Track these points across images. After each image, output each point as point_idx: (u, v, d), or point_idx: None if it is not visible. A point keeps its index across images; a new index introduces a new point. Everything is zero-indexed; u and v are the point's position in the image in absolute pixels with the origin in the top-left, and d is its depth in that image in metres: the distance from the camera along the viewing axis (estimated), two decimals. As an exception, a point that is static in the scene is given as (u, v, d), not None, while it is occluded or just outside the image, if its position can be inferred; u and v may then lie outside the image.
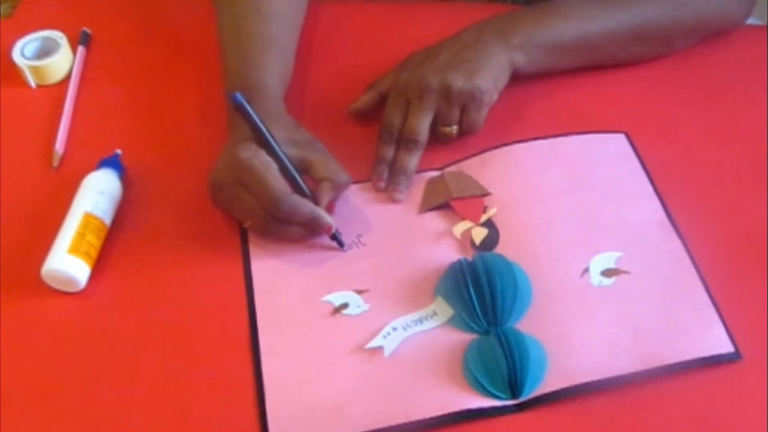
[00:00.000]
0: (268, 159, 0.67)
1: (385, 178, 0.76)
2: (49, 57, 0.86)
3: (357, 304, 0.67)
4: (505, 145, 0.78)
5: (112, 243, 0.72)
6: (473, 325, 0.65)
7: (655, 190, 0.74)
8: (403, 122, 0.76)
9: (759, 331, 0.64)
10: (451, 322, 0.66)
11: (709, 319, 0.65)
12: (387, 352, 0.64)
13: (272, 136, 0.68)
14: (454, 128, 0.77)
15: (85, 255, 0.69)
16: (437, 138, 0.77)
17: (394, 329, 0.65)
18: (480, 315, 0.65)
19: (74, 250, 0.68)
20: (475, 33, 0.79)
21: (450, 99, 0.74)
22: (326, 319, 0.66)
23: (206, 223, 0.73)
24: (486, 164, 0.76)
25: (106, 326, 0.67)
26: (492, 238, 0.71)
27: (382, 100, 0.79)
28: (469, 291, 0.66)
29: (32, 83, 0.87)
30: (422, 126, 0.75)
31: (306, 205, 0.68)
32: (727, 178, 0.75)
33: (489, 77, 0.75)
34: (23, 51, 0.87)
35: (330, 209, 0.71)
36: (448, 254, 0.70)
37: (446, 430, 0.60)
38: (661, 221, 0.72)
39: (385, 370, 0.63)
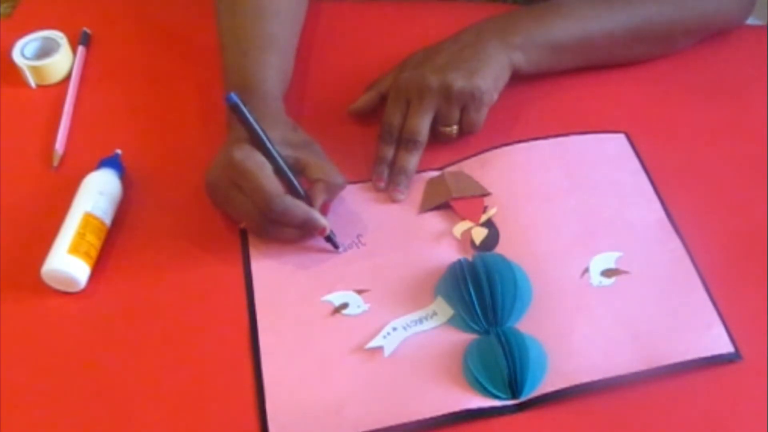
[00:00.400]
0: (262, 160, 0.67)
1: (385, 178, 0.76)
2: (49, 57, 0.86)
3: (357, 304, 0.67)
4: (505, 145, 0.78)
5: (112, 243, 0.72)
6: (473, 325, 0.65)
7: (655, 190, 0.74)
8: (403, 122, 0.76)
9: (759, 331, 0.64)
10: (451, 322, 0.66)
11: (709, 319, 0.65)
12: (387, 352, 0.64)
13: (267, 137, 0.68)
14: (454, 128, 0.77)
15: (85, 255, 0.69)
16: (437, 138, 0.77)
17: (394, 329, 0.65)
18: (480, 315, 0.65)
19: (74, 250, 0.68)
20: (475, 33, 0.79)
21: (450, 99, 0.74)
22: (326, 319, 0.66)
23: (206, 222, 0.73)
24: (486, 164, 0.76)
25: (106, 326, 0.67)
26: (492, 238, 0.71)
27: (382, 100, 0.79)
28: (469, 291, 0.66)
29: (32, 83, 0.87)
30: (422, 126, 0.75)
31: (299, 207, 0.68)
32: (727, 178, 0.75)
33: (489, 77, 0.75)
34: (23, 51, 0.87)
35: (324, 210, 0.71)
36: (448, 254, 0.70)
37: (446, 430, 0.60)
38: (661, 221, 0.72)
39: (385, 370, 0.63)
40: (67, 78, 0.87)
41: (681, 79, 0.84)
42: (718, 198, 0.74)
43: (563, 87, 0.83)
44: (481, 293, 0.65)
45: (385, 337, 0.65)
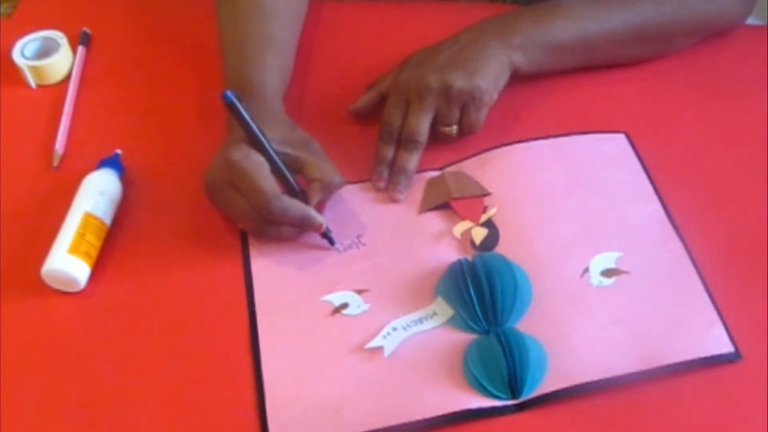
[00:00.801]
0: (259, 160, 0.67)
1: (385, 178, 0.76)
2: (49, 57, 0.86)
3: (357, 304, 0.67)
4: (505, 145, 0.78)
5: (112, 243, 0.72)
6: (473, 325, 0.65)
7: (655, 190, 0.74)
8: (403, 122, 0.76)
9: (759, 331, 0.64)
10: (451, 322, 0.66)
11: (709, 319, 0.65)
12: (387, 352, 0.64)
13: (264, 136, 0.68)
14: (454, 128, 0.77)
15: (85, 255, 0.69)
16: (437, 138, 0.77)
17: (394, 329, 0.65)
18: (480, 315, 0.65)
19: (74, 250, 0.68)
20: (475, 33, 0.79)
21: (450, 99, 0.74)
22: (326, 319, 0.66)
23: (206, 222, 0.73)
24: (486, 164, 0.76)
25: (106, 326, 0.67)
26: (492, 238, 0.71)
27: (382, 100, 0.79)
28: (469, 291, 0.66)
29: (32, 83, 0.87)
30: (422, 126, 0.75)
31: (295, 206, 0.68)
32: (727, 178, 0.75)
33: (489, 77, 0.75)
34: (23, 51, 0.87)
35: (320, 209, 0.71)
36: (448, 254, 0.70)
37: (446, 430, 0.60)
38: (661, 221, 0.72)
39: (385, 370, 0.63)
40: (67, 78, 0.87)
41: (681, 79, 0.84)
42: (718, 198, 0.74)
43: (563, 87, 0.83)
44: (481, 293, 0.65)
45: (385, 337, 0.65)
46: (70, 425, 0.62)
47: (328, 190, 0.71)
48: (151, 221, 0.74)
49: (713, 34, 0.86)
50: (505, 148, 0.77)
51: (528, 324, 0.65)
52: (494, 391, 0.61)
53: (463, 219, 0.73)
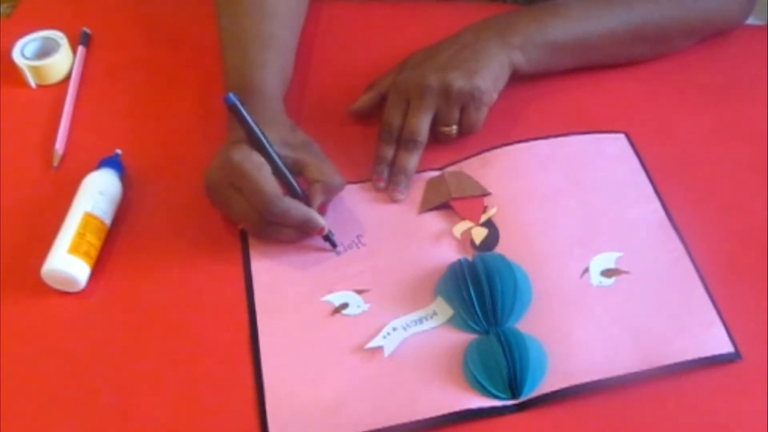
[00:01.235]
0: (260, 161, 0.67)
1: (385, 178, 0.76)
2: (49, 57, 0.86)
3: (357, 304, 0.67)
4: (505, 145, 0.78)
5: (112, 243, 0.72)
6: (473, 325, 0.65)
7: (655, 190, 0.74)
8: (402, 122, 0.76)
9: (759, 331, 0.64)
10: (451, 322, 0.66)
11: (709, 319, 0.65)
12: (387, 352, 0.64)
13: (266, 138, 0.68)
14: (454, 128, 0.77)
15: (85, 255, 0.69)
16: (437, 138, 0.77)
17: (394, 329, 0.65)
18: (480, 315, 0.65)
19: (74, 250, 0.68)
20: (474, 33, 0.79)
21: (450, 99, 0.74)
22: (326, 319, 0.66)
23: (206, 222, 0.73)
24: (486, 164, 0.76)
25: (106, 326, 0.67)
26: (492, 238, 0.71)
27: (382, 100, 0.79)
28: (469, 291, 0.66)
29: (32, 83, 0.87)
30: (422, 126, 0.75)
31: (297, 208, 0.68)
32: (727, 178, 0.75)
33: (489, 77, 0.75)
34: (23, 51, 0.87)
35: (322, 211, 0.71)
36: (448, 254, 0.70)
37: (446, 430, 0.60)
38: (661, 221, 0.72)
39: (385, 370, 0.63)
40: (67, 78, 0.87)
41: (681, 79, 0.84)
42: (718, 198, 0.74)
43: (563, 87, 0.83)
44: (481, 293, 0.65)
45: (385, 337, 0.65)
46: (71, 425, 0.62)
47: (330, 191, 0.71)
48: (151, 221, 0.74)
49: (713, 34, 0.86)
50: (505, 148, 0.77)
51: (528, 324, 0.65)
52: (494, 391, 0.61)
53: (463, 219, 0.73)
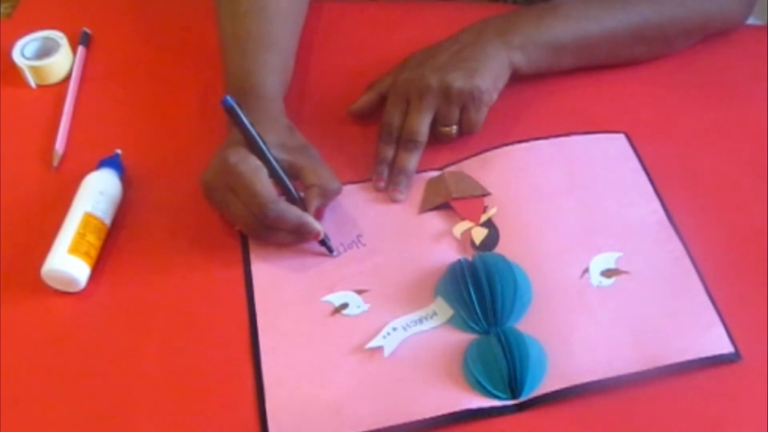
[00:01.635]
0: (257, 164, 0.67)
1: (385, 178, 0.76)
2: (49, 57, 0.86)
3: (357, 304, 0.67)
4: (505, 145, 0.78)
5: (112, 243, 0.72)
6: (473, 325, 0.65)
7: (655, 190, 0.74)
8: (402, 122, 0.76)
9: (759, 331, 0.64)
10: (451, 322, 0.66)
11: (709, 320, 0.65)
12: (387, 352, 0.64)
13: (263, 141, 0.68)
14: (454, 128, 0.77)
15: (85, 255, 0.69)
16: (437, 138, 0.77)
17: (394, 329, 0.65)
18: (480, 315, 0.65)
19: (74, 250, 0.68)
20: (474, 33, 0.79)
21: (449, 99, 0.74)
22: (326, 319, 0.66)
23: (206, 222, 0.73)
24: (486, 164, 0.76)
25: (106, 326, 0.67)
26: (492, 238, 0.71)
27: (382, 100, 0.79)
28: (469, 291, 0.66)
29: (32, 83, 0.87)
30: (422, 126, 0.75)
31: (293, 212, 0.68)
32: (727, 178, 0.75)
33: (488, 77, 0.75)
34: (23, 51, 0.87)
35: (318, 215, 0.71)
36: (448, 254, 0.70)
37: (446, 430, 0.60)
38: (661, 221, 0.72)
39: (385, 370, 0.63)
40: (67, 78, 0.87)
41: (681, 79, 0.84)
42: (718, 198, 0.74)
43: (563, 87, 0.83)
44: (481, 293, 0.65)
45: (385, 337, 0.65)
46: (70, 425, 0.62)
47: (326, 195, 0.71)
48: (151, 221, 0.74)
49: (713, 34, 0.86)
50: (505, 148, 0.77)
51: (528, 324, 0.65)
52: (494, 391, 0.61)
53: (463, 219, 0.73)
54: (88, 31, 0.92)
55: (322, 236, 0.69)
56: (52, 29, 0.89)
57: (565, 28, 0.80)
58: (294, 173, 0.70)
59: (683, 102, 0.82)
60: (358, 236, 0.72)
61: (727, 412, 0.61)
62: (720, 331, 0.64)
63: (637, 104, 0.82)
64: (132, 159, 0.78)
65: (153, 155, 0.80)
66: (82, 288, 0.69)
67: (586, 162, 0.76)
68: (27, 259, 0.70)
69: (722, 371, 0.62)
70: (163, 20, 0.94)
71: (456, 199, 0.74)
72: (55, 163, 0.79)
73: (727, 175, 0.75)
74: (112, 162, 0.76)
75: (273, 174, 0.68)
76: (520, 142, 0.78)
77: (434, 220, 0.73)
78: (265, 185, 0.67)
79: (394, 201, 0.75)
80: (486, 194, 0.74)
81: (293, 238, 0.70)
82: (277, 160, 0.69)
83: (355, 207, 0.74)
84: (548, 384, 0.62)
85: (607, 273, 0.68)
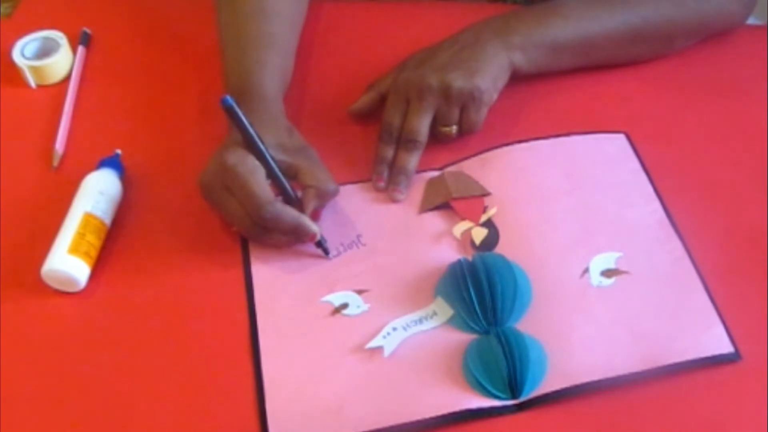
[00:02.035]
0: (254, 164, 0.67)
1: (385, 178, 0.76)
2: (49, 57, 0.86)
3: (357, 304, 0.67)
4: (505, 145, 0.78)
5: (112, 243, 0.72)
6: (473, 325, 0.65)
7: (655, 191, 0.74)
8: (402, 122, 0.76)
9: (759, 332, 0.64)
10: (451, 322, 0.66)
11: (709, 320, 0.65)
12: (387, 352, 0.64)
13: (262, 141, 0.68)
14: (454, 128, 0.77)
15: (85, 255, 0.69)
16: (437, 138, 0.77)
17: (394, 329, 0.65)
18: (480, 315, 0.65)
19: (74, 250, 0.68)
20: (474, 33, 0.79)
21: (449, 99, 0.74)
22: (326, 319, 0.66)
23: (206, 223, 0.73)
24: (486, 164, 0.76)
25: (106, 326, 0.67)
26: (492, 238, 0.71)
27: (382, 100, 0.79)
28: (469, 291, 0.66)
29: (32, 83, 0.87)
30: (422, 126, 0.75)
31: (289, 213, 0.67)
32: (727, 178, 0.75)
33: (488, 77, 0.75)
34: (23, 51, 0.87)
35: (315, 216, 0.71)
36: (448, 254, 0.70)
37: (446, 430, 0.60)
38: (661, 221, 0.72)
39: (385, 370, 0.63)
40: (67, 78, 0.87)
41: (681, 79, 0.84)
42: (718, 198, 0.74)
43: (563, 87, 0.83)
44: (481, 293, 0.65)
45: (385, 337, 0.65)
46: (70, 425, 0.62)
47: (323, 197, 0.71)
48: (151, 221, 0.74)
49: (713, 34, 0.86)
50: (505, 148, 0.77)
51: (528, 324, 0.65)
52: (494, 391, 0.61)
53: (463, 219, 0.73)
54: (88, 31, 0.92)
55: (318, 238, 0.69)
56: (52, 29, 0.89)
57: (565, 28, 0.80)
58: (292, 174, 0.70)
59: (683, 102, 0.82)
60: (358, 236, 0.72)
61: (727, 412, 0.61)
62: (720, 331, 0.64)
63: (637, 104, 0.82)
64: (132, 159, 0.78)
65: (153, 155, 0.80)
66: (82, 288, 0.69)
67: (586, 162, 0.76)
68: (27, 259, 0.70)
69: (722, 371, 0.62)
70: (163, 20, 0.94)
71: (456, 199, 0.74)
72: (55, 163, 0.79)
73: (727, 175, 0.76)
74: (112, 162, 0.76)
75: (271, 175, 0.68)
76: (520, 142, 0.78)
77: (434, 220, 0.73)
78: (261, 186, 0.67)
79: (394, 201, 0.75)
80: (486, 194, 0.74)
81: (289, 240, 0.70)
82: (275, 161, 0.69)
83: (355, 207, 0.74)
84: (548, 384, 0.62)
85: (607, 273, 0.68)
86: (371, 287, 0.68)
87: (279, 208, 0.67)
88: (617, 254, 0.69)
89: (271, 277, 0.69)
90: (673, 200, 0.73)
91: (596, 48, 0.81)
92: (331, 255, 0.70)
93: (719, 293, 0.66)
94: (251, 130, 0.68)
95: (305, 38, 0.87)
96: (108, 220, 0.72)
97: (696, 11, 0.83)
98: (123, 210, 0.74)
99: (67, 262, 0.68)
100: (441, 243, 0.71)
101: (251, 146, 0.68)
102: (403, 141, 0.75)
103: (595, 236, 0.70)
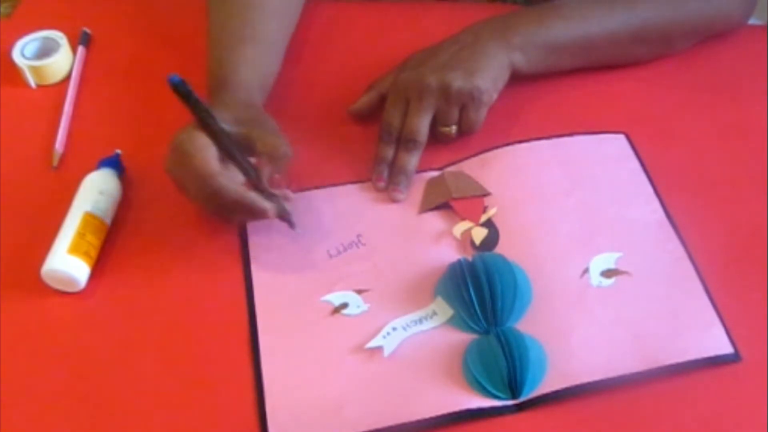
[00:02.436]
0: (203, 142, 0.67)
1: (385, 178, 0.76)
2: (49, 57, 0.86)
3: (357, 304, 0.67)
4: (505, 145, 0.78)
5: (112, 243, 0.72)
6: (473, 325, 0.65)
7: (655, 191, 0.74)
8: (402, 122, 0.76)
9: (759, 332, 0.64)
10: (451, 322, 0.66)
11: (709, 320, 0.65)
12: (387, 352, 0.64)
13: (212, 116, 0.67)
14: (453, 128, 0.77)
15: (85, 255, 0.69)
16: (437, 138, 0.77)
17: (394, 329, 0.65)
18: (480, 315, 0.65)
19: (74, 250, 0.68)
20: (474, 33, 0.79)
21: (449, 99, 0.74)
22: (326, 319, 0.66)
23: (206, 222, 0.73)
24: (486, 164, 0.76)
25: (106, 326, 0.67)
26: (492, 238, 0.71)
27: (382, 100, 0.79)
28: (469, 291, 0.66)
29: (32, 83, 0.87)
30: (422, 126, 0.75)
31: (232, 188, 0.66)
32: (727, 178, 0.75)
33: (488, 77, 0.75)
34: (23, 51, 0.87)
35: (274, 184, 0.69)
36: (448, 254, 0.70)
37: (446, 430, 0.60)
38: (660, 221, 0.71)
39: (385, 370, 0.63)
40: (67, 78, 0.87)
41: (681, 79, 0.84)
42: (718, 198, 0.74)
43: (563, 87, 0.83)
44: (481, 293, 0.65)
45: (384, 337, 0.65)
46: (70, 425, 0.62)
47: (276, 161, 0.69)
48: (151, 221, 0.74)
49: (714, 34, 0.86)
50: (505, 148, 0.77)
51: (528, 324, 0.65)
52: (494, 391, 0.61)
53: (463, 219, 0.73)
54: (88, 31, 0.92)
55: (271, 216, 0.67)
56: (52, 29, 0.89)
57: (565, 29, 0.80)
58: (248, 147, 0.69)
59: (683, 102, 0.82)
60: (358, 236, 0.72)
61: (727, 412, 0.61)
62: (720, 331, 0.64)
63: (637, 104, 0.82)
64: (132, 159, 0.78)
65: (153, 155, 0.79)
66: (82, 288, 0.69)
67: (586, 162, 0.76)
68: (27, 259, 0.70)
69: (722, 371, 0.62)
70: (163, 20, 0.94)
71: (456, 199, 0.74)
72: (55, 163, 0.79)
73: (727, 175, 0.76)
74: (112, 162, 0.76)
75: (227, 152, 0.67)
76: (520, 142, 0.78)
77: (434, 220, 0.73)
78: (206, 162, 0.66)
79: (394, 201, 0.75)
80: (486, 194, 0.74)
81: (247, 217, 0.68)
82: (228, 135, 0.67)
83: (355, 207, 0.74)
84: (548, 384, 0.62)
85: (607, 273, 0.68)
86: (371, 287, 0.68)
87: (220, 182, 0.65)
88: (617, 254, 0.69)
89: (271, 277, 0.69)
90: (673, 200, 0.73)
91: (596, 48, 0.81)
92: (297, 229, 0.69)
93: (719, 293, 0.66)
94: (200, 107, 0.67)
95: (305, 38, 0.87)
96: (108, 220, 0.72)
97: (696, 12, 0.83)
98: (123, 210, 0.74)
99: (67, 262, 0.68)
100: (441, 243, 0.71)
101: (204, 125, 0.67)
102: (403, 141, 0.75)
103: (595, 236, 0.70)
